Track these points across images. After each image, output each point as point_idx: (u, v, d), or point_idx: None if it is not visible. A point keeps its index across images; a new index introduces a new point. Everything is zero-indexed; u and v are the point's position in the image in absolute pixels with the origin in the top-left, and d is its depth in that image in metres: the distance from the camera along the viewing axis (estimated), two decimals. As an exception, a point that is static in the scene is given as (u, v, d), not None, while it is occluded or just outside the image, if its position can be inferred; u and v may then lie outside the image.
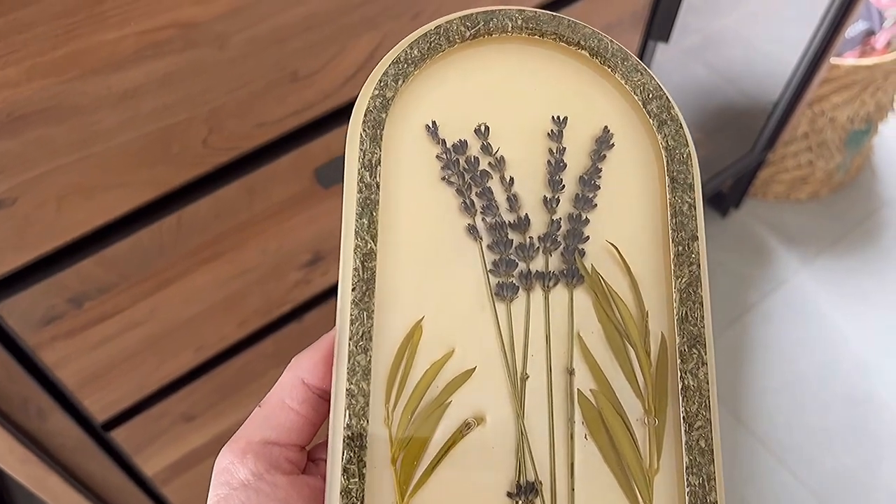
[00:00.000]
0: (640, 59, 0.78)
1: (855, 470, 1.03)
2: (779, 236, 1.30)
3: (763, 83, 1.08)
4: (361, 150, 0.25)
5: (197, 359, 0.60)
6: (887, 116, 1.28)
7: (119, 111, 0.41)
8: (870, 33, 1.22)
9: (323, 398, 0.25)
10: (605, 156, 0.27)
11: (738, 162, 1.18)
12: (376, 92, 0.25)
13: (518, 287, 0.25)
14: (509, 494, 0.23)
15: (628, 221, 0.26)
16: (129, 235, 0.47)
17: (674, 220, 0.26)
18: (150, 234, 0.48)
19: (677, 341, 0.24)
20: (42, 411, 0.54)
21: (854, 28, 1.21)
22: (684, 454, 0.23)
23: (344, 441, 0.23)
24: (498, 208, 0.26)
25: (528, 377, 0.24)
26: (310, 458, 0.27)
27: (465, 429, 0.24)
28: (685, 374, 0.24)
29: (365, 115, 0.25)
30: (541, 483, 0.23)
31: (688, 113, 1.01)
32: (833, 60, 1.11)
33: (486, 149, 0.26)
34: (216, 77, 0.44)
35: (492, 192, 0.26)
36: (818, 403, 1.09)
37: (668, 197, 0.26)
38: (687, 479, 0.23)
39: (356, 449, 0.23)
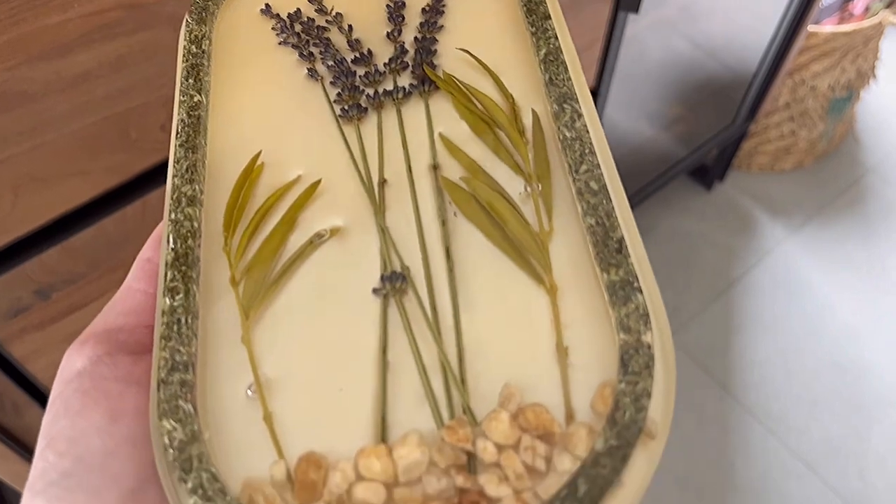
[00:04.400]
0: (611, 32, 0.78)
1: (844, 437, 1.03)
2: (764, 207, 1.30)
3: (742, 54, 1.07)
4: (188, 30, 0.26)
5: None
6: (868, 83, 1.28)
7: (70, 97, 0.40)
8: (848, -1, 1.22)
9: None
10: None
11: (719, 134, 1.17)
12: None
13: (366, 108, 0.25)
14: (375, 290, 0.21)
15: (479, 32, 0.26)
16: (92, 224, 0.47)
17: (524, 9, 0.26)
18: (114, 222, 0.48)
19: (548, 107, 0.24)
20: (17, 406, 0.54)
21: (832, -5, 1.20)
22: (577, 203, 0.21)
23: (167, 264, 0.20)
24: (338, 51, 0.26)
25: (385, 181, 0.23)
26: None
27: (316, 239, 0.22)
28: (560, 128, 0.23)
29: (192, 6, 0.27)
30: (408, 268, 0.21)
31: (669, 87, 1.01)
32: (811, 28, 1.11)
33: (321, 10, 0.27)
34: (170, 59, 0.43)
35: (330, 41, 0.26)
36: (806, 372, 1.09)
37: None
38: (584, 222, 0.21)
39: (182, 268, 0.20)
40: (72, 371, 0.20)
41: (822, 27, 1.14)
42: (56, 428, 0.19)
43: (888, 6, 1.21)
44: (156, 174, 0.48)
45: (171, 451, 0.18)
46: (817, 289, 1.19)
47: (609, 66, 0.81)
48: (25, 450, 0.57)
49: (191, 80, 0.25)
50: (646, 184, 1.11)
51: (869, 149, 1.40)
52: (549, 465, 0.17)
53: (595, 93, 0.84)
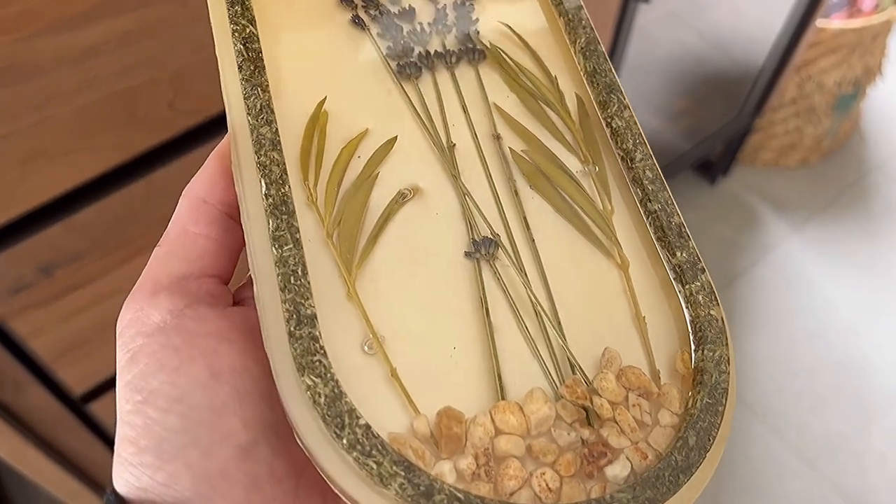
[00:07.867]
0: (621, 22, 0.78)
1: (845, 434, 1.03)
2: (768, 203, 1.30)
3: (750, 47, 1.07)
4: None
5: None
6: (875, 80, 1.27)
7: (78, 71, 0.40)
8: (857, -5, 1.21)
9: (232, 216, 0.21)
10: None
11: (724, 128, 1.17)
12: None
13: (420, 67, 0.24)
14: (467, 254, 0.21)
15: (512, 6, 0.26)
16: (97, 201, 0.46)
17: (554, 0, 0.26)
18: (119, 199, 0.47)
19: (592, 95, 0.24)
20: (18, 384, 0.54)
21: (841, -10, 1.19)
22: (634, 189, 0.23)
23: (267, 211, 0.19)
24: (380, 2, 0.26)
25: (454, 145, 0.23)
26: (235, 300, 0.21)
27: (400, 199, 0.22)
28: (610, 118, 0.24)
29: None
30: (497, 235, 0.22)
31: (675, 80, 1.00)
32: (819, 23, 1.10)
33: None
34: (179, 36, 0.43)
35: None
36: (808, 369, 1.09)
37: None
38: (645, 208, 0.22)
39: (283, 216, 0.19)
40: (149, 324, 0.19)
41: (831, 22, 1.13)
42: (153, 383, 0.18)
43: (897, 3, 1.20)
44: (162, 152, 0.48)
45: (318, 407, 0.17)
46: (820, 286, 1.18)
47: (617, 56, 0.80)
48: (26, 428, 0.57)
49: (237, 8, 0.22)
50: (651, 177, 1.10)
51: (875, 146, 1.39)
52: (653, 420, 0.20)
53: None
